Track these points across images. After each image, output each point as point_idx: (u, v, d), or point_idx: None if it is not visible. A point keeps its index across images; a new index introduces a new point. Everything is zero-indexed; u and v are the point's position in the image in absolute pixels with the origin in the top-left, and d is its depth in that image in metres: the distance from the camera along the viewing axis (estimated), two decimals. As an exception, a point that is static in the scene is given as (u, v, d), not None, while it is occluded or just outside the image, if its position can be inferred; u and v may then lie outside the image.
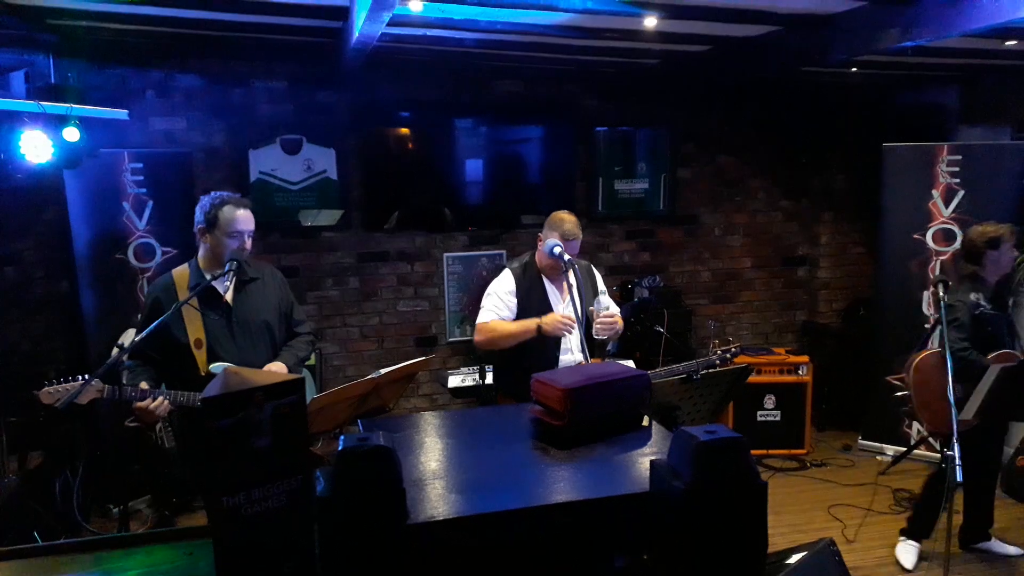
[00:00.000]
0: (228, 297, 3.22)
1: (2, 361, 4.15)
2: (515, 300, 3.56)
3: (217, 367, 3.12)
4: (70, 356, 4.69)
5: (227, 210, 3.14)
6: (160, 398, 2.98)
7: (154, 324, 2.98)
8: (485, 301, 3.62)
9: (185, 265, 3.26)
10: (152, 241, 4.61)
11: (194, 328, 3.13)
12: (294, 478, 1.58)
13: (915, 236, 5.31)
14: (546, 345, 3.53)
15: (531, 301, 3.57)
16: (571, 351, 3.56)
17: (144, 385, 3.02)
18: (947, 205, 5.21)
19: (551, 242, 3.45)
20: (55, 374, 4.51)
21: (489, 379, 5.13)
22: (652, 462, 1.73)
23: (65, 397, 2.85)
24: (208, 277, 3.14)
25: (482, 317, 3.59)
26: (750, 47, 4.58)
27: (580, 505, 1.80)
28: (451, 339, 5.86)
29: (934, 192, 5.25)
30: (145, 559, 1.80)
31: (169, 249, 4.65)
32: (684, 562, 1.64)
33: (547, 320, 3.44)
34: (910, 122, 6.01)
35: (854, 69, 5.28)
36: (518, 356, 3.53)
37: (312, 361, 5.02)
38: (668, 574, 1.69)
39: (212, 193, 3.23)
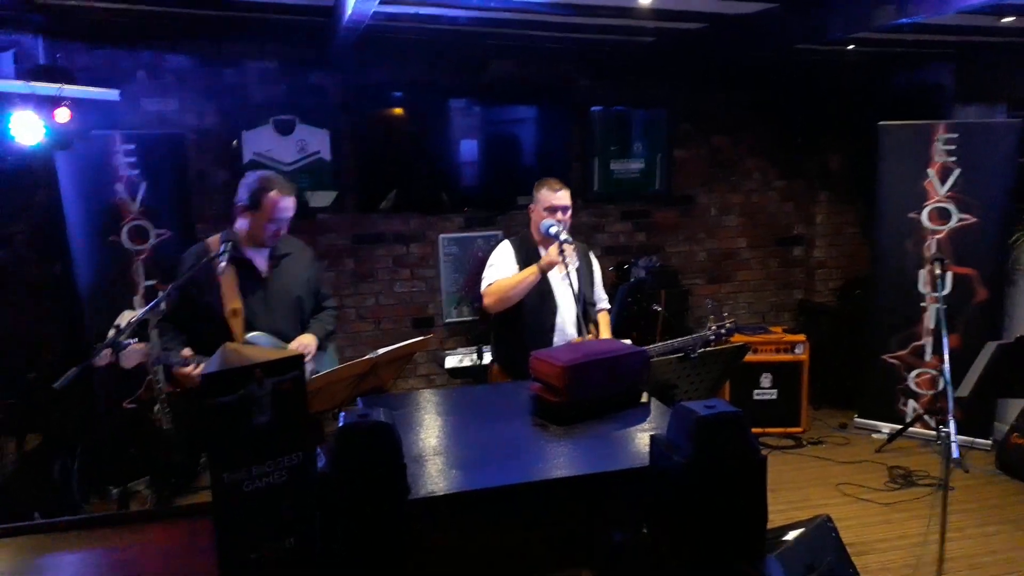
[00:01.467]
0: (263, 270, 3.27)
1: (-2, 345, 4.14)
2: (516, 268, 3.57)
3: (254, 336, 3.20)
4: (65, 339, 4.67)
5: (273, 195, 3.15)
6: (203, 365, 3.00)
7: (179, 282, 3.08)
8: (487, 272, 3.63)
9: (217, 235, 3.27)
10: (145, 223, 4.57)
11: (231, 297, 3.18)
12: (295, 454, 1.58)
13: (911, 215, 5.30)
14: (542, 320, 3.54)
15: None
16: (565, 326, 3.56)
17: (187, 352, 3.09)
18: (943, 184, 5.21)
19: (546, 223, 3.44)
20: (51, 356, 4.54)
21: (487, 359, 5.15)
22: (652, 436, 1.73)
23: (68, 373, 2.84)
24: (244, 251, 3.19)
25: (487, 281, 3.60)
26: (746, 25, 4.55)
27: (579, 480, 1.81)
28: (448, 320, 5.86)
29: (930, 171, 5.24)
30: (145, 537, 1.80)
31: (163, 231, 4.62)
32: (684, 536, 1.64)
33: (544, 258, 3.44)
34: (905, 101, 6.00)
35: (851, 47, 5.26)
36: (514, 330, 3.56)
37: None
38: (668, 548, 1.70)
39: (259, 172, 3.28)
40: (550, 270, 3.45)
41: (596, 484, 1.81)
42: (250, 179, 3.22)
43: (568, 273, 3.38)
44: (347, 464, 1.58)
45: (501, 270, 3.58)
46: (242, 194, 3.21)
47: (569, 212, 3.56)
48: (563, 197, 3.55)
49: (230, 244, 3.17)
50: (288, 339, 3.31)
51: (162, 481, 4.41)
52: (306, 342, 3.30)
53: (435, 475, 1.81)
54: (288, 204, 3.20)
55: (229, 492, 1.50)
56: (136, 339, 3.06)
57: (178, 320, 3.22)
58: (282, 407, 1.53)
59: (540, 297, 3.55)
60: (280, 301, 3.30)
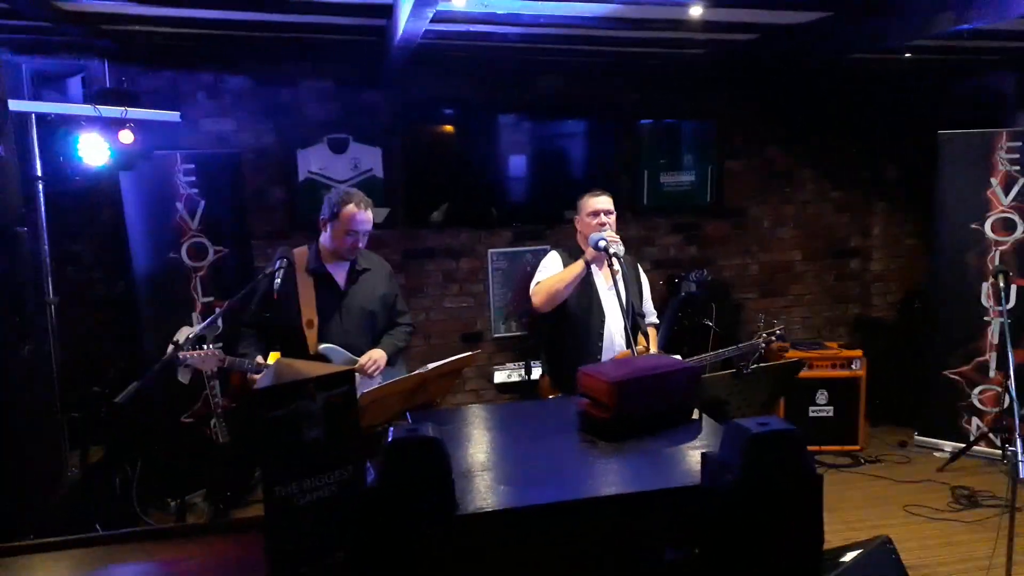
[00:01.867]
0: (341, 284, 3.43)
1: (66, 359, 4.28)
2: None
3: (325, 348, 3.35)
4: (126, 354, 4.82)
5: (350, 208, 3.33)
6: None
7: (248, 288, 3.36)
8: (536, 277, 3.69)
9: (305, 247, 3.48)
10: (204, 240, 4.70)
11: (308, 309, 3.33)
12: (345, 468, 1.60)
13: (973, 226, 5.15)
14: (590, 332, 3.54)
15: (579, 284, 3.57)
16: (613, 337, 3.55)
17: (260, 359, 3.26)
18: (1007, 194, 5.04)
19: (595, 236, 3.44)
20: (113, 372, 4.67)
21: (535, 374, 5.14)
22: (704, 454, 1.71)
23: (129, 388, 2.95)
24: (324, 265, 3.40)
25: (535, 282, 3.64)
26: (799, 34, 4.48)
27: (629, 498, 1.78)
28: (496, 335, 5.87)
29: (992, 180, 5.08)
30: (199, 549, 1.84)
31: (221, 248, 4.73)
32: (736, 557, 1.61)
33: (588, 252, 3.46)
34: (965, 109, 5.82)
35: (908, 55, 5.14)
36: (563, 342, 3.61)
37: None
38: (720, 569, 1.66)
39: (343, 187, 3.51)
40: (595, 262, 3.45)
41: (646, 502, 1.79)
42: (333, 194, 3.40)
43: (616, 283, 3.38)
44: (396, 479, 1.59)
45: (549, 273, 3.60)
46: (324, 208, 3.39)
47: (613, 216, 3.57)
48: (604, 201, 3.62)
49: (285, 262, 3.27)
50: (359, 352, 3.41)
51: (218, 494, 4.50)
52: (375, 357, 3.40)
53: (483, 491, 1.81)
54: (364, 217, 3.35)
55: (280, 506, 1.52)
56: (211, 345, 3.22)
57: (259, 327, 3.38)
58: (333, 422, 1.55)
59: (588, 307, 3.56)
60: (354, 315, 3.43)
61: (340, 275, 3.44)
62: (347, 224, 3.32)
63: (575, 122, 5.91)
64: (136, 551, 1.91)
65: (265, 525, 1.56)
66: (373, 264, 3.57)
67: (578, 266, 3.46)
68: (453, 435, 2.20)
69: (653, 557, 1.78)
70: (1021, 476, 3.30)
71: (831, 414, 5.33)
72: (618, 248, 3.39)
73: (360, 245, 3.39)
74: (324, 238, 3.42)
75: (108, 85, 4.64)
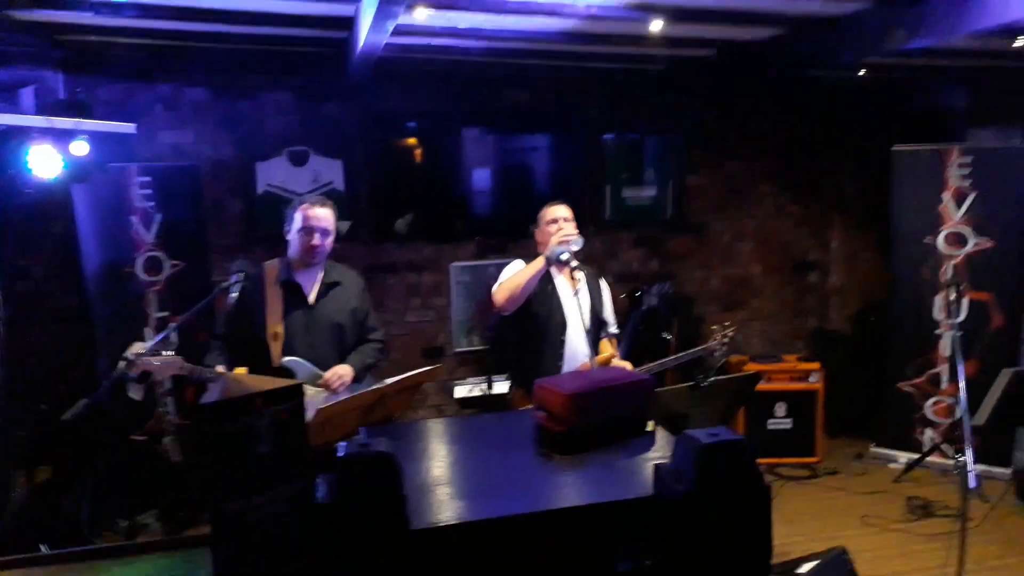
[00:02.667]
0: (311, 297, 3.38)
1: (13, 376, 4.17)
2: None
3: (290, 361, 3.28)
4: (77, 371, 4.70)
5: (304, 206, 3.35)
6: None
7: (206, 300, 3.25)
8: (499, 280, 3.67)
9: (277, 260, 3.44)
10: (160, 254, 4.62)
11: (274, 321, 3.28)
12: (295, 484, 1.57)
13: (926, 240, 5.26)
14: (552, 339, 3.57)
15: (542, 288, 3.60)
16: (576, 344, 3.56)
17: (220, 369, 3.15)
18: (958, 208, 5.17)
19: (557, 249, 3.45)
20: (63, 389, 4.57)
21: (497, 389, 5.13)
22: (656, 465, 1.71)
23: (77, 406, 2.87)
24: (294, 276, 3.36)
25: (497, 283, 3.64)
26: (756, 50, 4.57)
27: (583, 510, 1.78)
28: (458, 349, 5.84)
29: (945, 195, 5.20)
30: (147, 567, 1.80)
31: (177, 262, 4.65)
32: (688, 566, 1.62)
33: (549, 246, 3.46)
34: (919, 125, 5.96)
35: (862, 72, 5.26)
36: (527, 349, 3.61)
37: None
38: (673, 580, 1.67)
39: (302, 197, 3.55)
40: (555, 258, 3.44)
41: (600, 514, 1.78)
42: (293, 203, 3.43)
43: (577, 291, 3.40)
44: (347, 494, 1.57)
45: (511, 274, 3.62)
46: (287, 218, 3.40)
47: (572, 223, 3.58)
48: (563, 209, 3.64)
49: (242, 275, 3.22)
50: (326, 367, 3.35)
51: (171, 514, 4.41)
52: (341, 372, 3.35)
53: (438, 505, 1.80)
54: (319, 213, 3.33)
55: (228, 522, 1.49)
56: (171, 351, 3.14)
57: (226, 339, 3.32)
58: (281, 436, 1.53)
59: (549, 313, 3.57)
60: (322, 329, 3.37)
61: (310, 287, 3.40)
62: (298, 223, 3.32)
63: (539, 136, 5.94)
64: (83, 571, 1.86)
65: (213, 542, 1.52)
66: (345, 278, 3.52)
67: (538, 262, 3.47)
68: (409, 449, 2.18)
69: (607, 569, 1.77)
70: (972, 486, 3.36)
71: (789, 426, 5.39)
72: (578, 241, 3.43)
73: (318, 244, 3.33)
74: (289, 247, 3.40)
75: (62, 96, 4.55)
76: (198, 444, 3.21)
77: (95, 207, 4.44)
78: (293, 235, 3.36)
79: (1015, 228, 5.03)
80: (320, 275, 3.43)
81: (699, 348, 4.29)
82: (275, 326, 3.28)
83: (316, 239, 3.32)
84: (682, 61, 5.05)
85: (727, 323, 4.36)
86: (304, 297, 3.37)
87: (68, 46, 4.45)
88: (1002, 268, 5.05)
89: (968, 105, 5.90)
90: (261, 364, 3.23)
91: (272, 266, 3.40)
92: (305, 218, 3.31)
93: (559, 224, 3.58)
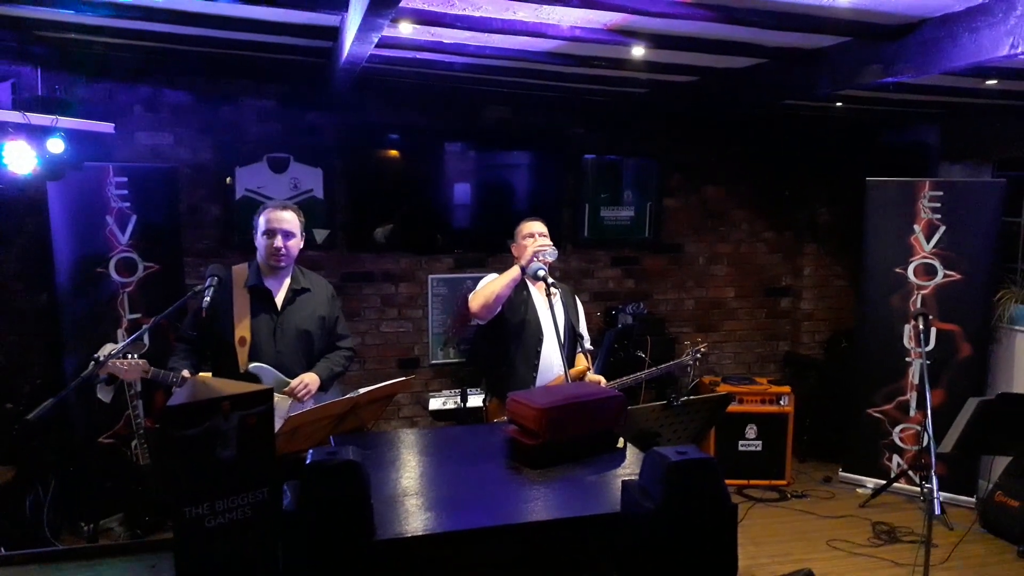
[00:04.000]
0: (278, 303, 3.37)
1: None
2: None
3: (256, 367, 3.27)
4: (47, 370, 4.63)
5: (264, 212, 3.36)
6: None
7: (179, 303, 3.23)
8: (476, 289, 3.69)
9: (245, 264, 3.43)
10: (134, 256, 4.57)
11: (241, 326, 3.27)
12: (259, 491, 1.56)
13: (897, 270, 5.35)
14: (527, 349, 3.61)
15: (518, 299, 3.63)
16: (551, 356, 3.58)
17: (186, 373, 3.13)
18: (928, 240, 5.27)
19: (534, 266, 3.46)
20: (29, 389, 4.49)
21: (471, 402, 5.12)
22: (623, 482, 1.72)
23: (42, 406, 2.82)
24: (263, 281, 3.35)
25: (472, 292, 3.66)
26: (736, 79, 4.63)
27: (551, 525, 1.79)
28: (434, 361, 5.83)
29: (916, 227, 5.30)
30: (107, 571, 1.77)
31: (151, 264, 4.61)
32: (653, 584, 1.62)
33: (524, 257, 3.50)
34: (893, 158, 6.09)
35: (839, 104, 5.35)
36: (503, 361, 3.63)
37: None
38: (637, 597, 1.67)
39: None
40: (532, 274, 3.46)
41: (568, 529, 1.79)
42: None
43: (552, 305, 3.43)
44: (312, 502, 1.56)
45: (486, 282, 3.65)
46: (254, 226, 3.41)
47: (547, 239, 3.63)
48: (539, 225, 3.71)
49: (216, 280, 3.21)
50: (292, 374, 3.34)
51: (136, 518, 4.34)
52: (307, 381, 3.34)
53: (406, 516, 1.79)
54: (281, 216, 3.33)
55: (191, 527, 1.48)
56: (136, 355, 3.11)
57: (194, 342, 3.31)
58: (248, 442, 1.52)
59: (524, 324, 3.60)
60: (289, 335, 3.36)
61: (278, 293, 3.39)
62: (262, 227, 3.33)
63: (520, 153, 5.97)
64: (41, 573, 1.83)
65: (175, 546, 1.51)
66: (314, 284, 3.52)
67: (513, 271, 3.51)
68: (379, 459, 2.18)
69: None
70: (937, 513, 3.41)
71: (760, 448, 5.43)
72: (552, 252, 3.48)
73: (280, 247, 3.32)
74: (258, 252, 3.40)
75: (40, 93, 4.51)
76: (162, 447, 3.15)
77: (70, 205, 4.39)
78: (259, 239, 3.37)
79: (983, 262, 5.13)
80: (287, 281, 3.43)
81: (672, 363, 4.35)
82: (242, 331, 3.27)
83: (279, 241, 3.31)
84: (663, 86, 5.11)
85: (699, 339, 4.41)
86: (272, 302, 3.36)
87: (48, 43, 4.41)
88: (970, 300, 5.15)
89: (940, 140, 6.03)
90: (228, 369, 3.22)
91: (240, 270, 3.39)
92: (267, 220, 3.32)
93: (535, 238, 3.62)
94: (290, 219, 3.36)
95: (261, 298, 3.35)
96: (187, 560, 1.51)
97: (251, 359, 3.27)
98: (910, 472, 5.25)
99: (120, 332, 4.48)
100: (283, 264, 3.37)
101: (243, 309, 3.29)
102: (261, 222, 3.35)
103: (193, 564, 1.51)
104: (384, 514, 1.75)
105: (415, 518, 1.79)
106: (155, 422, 4.41)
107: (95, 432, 4.44)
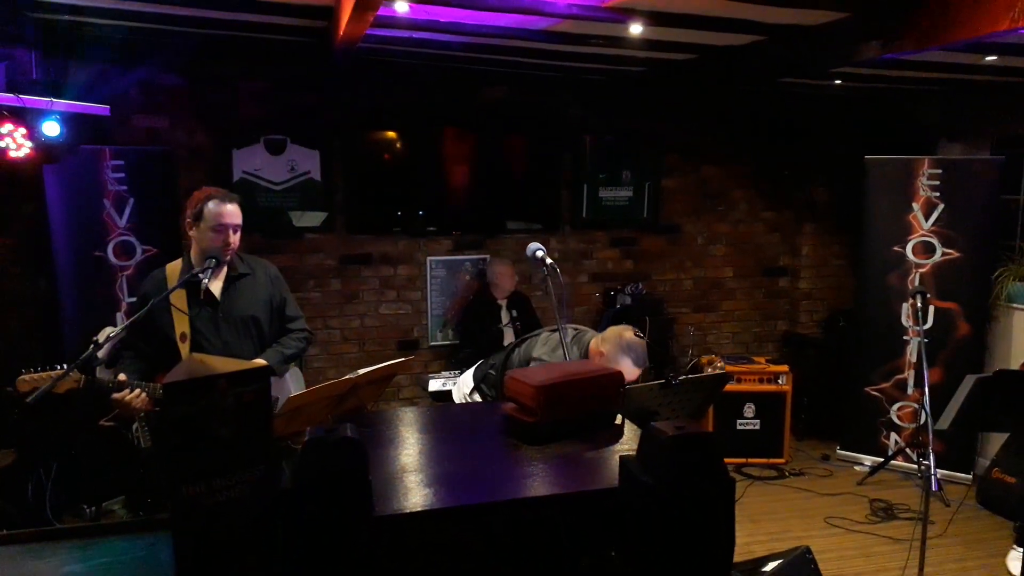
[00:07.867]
0: (216, 292, 3.21)
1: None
2: None
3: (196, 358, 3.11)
4: (46, 354, 4.62)
5: (212, 204, 3.13)
6: (137, 390, 2.96)
7: (136, 315, 2.98)
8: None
9: (180, 260, 3.26)
10: (132, 239, 4.57)
11: (180, 322, 3.13)
12: (257, 468, 1.56)
13: (895, 248, 5.34)
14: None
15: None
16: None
17: (122, 376, 2.98)
18: (927, 218, 5.25)
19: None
20: (31, 372, 4.47)
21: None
22: (621, 457, 1.72)
23: (40, 388, 2.81)
24: (197, 271, 3.12)
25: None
26: (735, 56, 4.60)
27: (548, 500, 1.79)
28: (433, 343, 5.84)
29: (914, 205, 5.29)
30: (107, 549, 1.78)
31: (149, 247, 4.61)
32: (651, 557, 1.63)
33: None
34: (892, 136, 6.07)
35: (838, 81, 5.33)
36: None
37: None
38: (635, 570, 1.68)
39: (203, 188, 3.23)
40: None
41: (565, 505, 1.79)
42: (193, 196, 3.19)
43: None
44: (311, 480, 1.56)
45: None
46: (187, 212, 3.18)
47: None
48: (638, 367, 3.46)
49: (213, 261, 3.14)
50: None
51: (138, 500, 4.36)
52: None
53: (404, 492, 1.80)
54: (228, 210, 3.14)
55: (188, 505, 1.48)
56: (62, 365, 2.92)
57: (137, 347, 3.17)
58: (245, 420, 1.52)
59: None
60: (233, 324, 3.22)
61: (215, 283, 3.22)
62: (212, 221, 3.12)
63: (518, 134, 5.94)
64: (41, 551, 1.84)
65: (172, 525, 1.51)
66: (255, 268, 3.35)
67: None
68: (378, 437, 2.18)
69: (572, 559, 1.78)
70: (934, 490, 3.42)
71: (758, 427, 5.44)
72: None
73: (232, 241, 3.17)
74: (195, 244, 3.21)
75: (35, 75, 4.48)
76: (159, 425, 3.07)
77: (67, 189, 4.39)
78: (203, 232, 3.15)
79: (981, 240, 5.13)
80: (224, 269, 3.23)
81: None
82: (182, 327, 3.12)
83: (230, 236, 3.16)
84: (661, 64, 5.08)
85: (698, 331, 4.37)
86: (211, 294, 3.20)
87: (43, 26, 4.38)
88: (968, 278, 5.14)
89: (939, 118, 6.01)
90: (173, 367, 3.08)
91: (174, 267, 3.23)
92: (218, 215, 3.12)
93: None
94: (238, 212, 3.20)
95: (196, 290, 3.17)
96: (185, 538, 1.51)
97: (194, 352, 3.10)
98: (907, 450, 5.27)
99: (119, 315, 4.49)
100: (229, 256, 3.21)
101: (181, 304, 3.13)
102: (210, 216, 3.12)
103: (191, 542, 1.52)
104: (383, 491, 1.76)
105: (414, 494, 1.79)
106: (156, 405, 4.41)
107: (96, 415, 4.45)
